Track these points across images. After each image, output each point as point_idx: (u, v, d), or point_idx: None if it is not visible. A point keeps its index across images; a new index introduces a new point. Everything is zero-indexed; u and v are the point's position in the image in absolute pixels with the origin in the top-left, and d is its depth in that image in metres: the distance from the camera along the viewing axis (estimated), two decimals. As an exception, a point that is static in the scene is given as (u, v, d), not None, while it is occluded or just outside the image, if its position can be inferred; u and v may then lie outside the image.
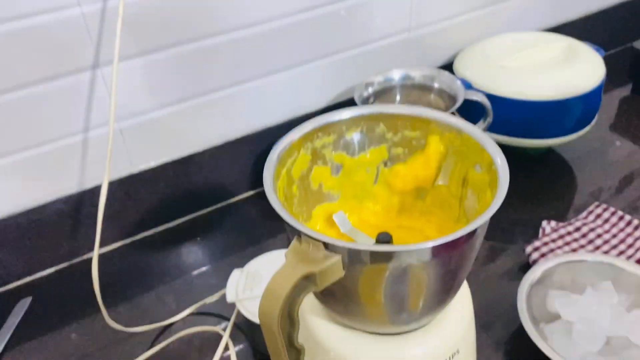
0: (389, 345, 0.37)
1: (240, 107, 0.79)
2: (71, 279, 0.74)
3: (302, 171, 0.40)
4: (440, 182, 0.41)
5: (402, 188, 0.42)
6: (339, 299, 0.34)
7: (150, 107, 0.72)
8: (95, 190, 0.73)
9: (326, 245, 0.30)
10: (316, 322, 0.38)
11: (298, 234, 0.31)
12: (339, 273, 0.31)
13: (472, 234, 0.31)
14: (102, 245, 0.77)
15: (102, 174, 0.72)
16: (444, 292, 0.34)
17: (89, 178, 0.73)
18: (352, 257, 0.30)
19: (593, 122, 0.84)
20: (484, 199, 0.36)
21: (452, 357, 0.38)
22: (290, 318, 0.31)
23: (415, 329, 0.37)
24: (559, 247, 0.71)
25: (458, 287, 0.36)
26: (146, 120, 0.73)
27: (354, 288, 0.32)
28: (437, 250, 0.30)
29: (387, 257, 0.30)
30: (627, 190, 0.82)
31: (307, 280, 0.31)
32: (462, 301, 0.40)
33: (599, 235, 0.73)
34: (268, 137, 0.82)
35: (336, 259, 0.30)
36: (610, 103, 1.01)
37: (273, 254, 0.61)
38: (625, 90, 1.05)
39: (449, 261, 0.31)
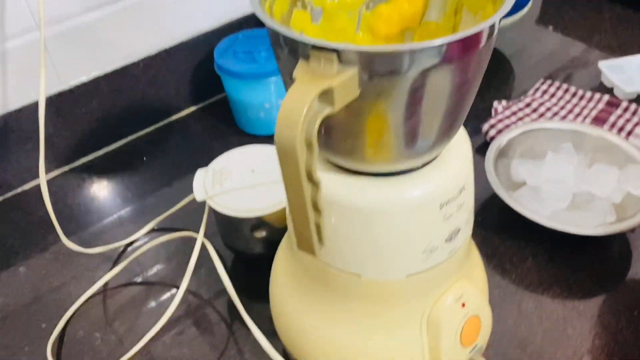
0: (397, 185, 0.35)
1: (173, 11, 0.72)
2: (6, 215, 0.67)
3: (282, 14, 0.36)
4: (427, 18, 0.39)
5: (387, 32, 0.39)
6: (346, 131, 0.32)
7: (74, 11, 0.64)
8: (22, 112, 0.65)
9: (340, 57, 0.27)
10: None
11: (304, 51, 0.28)
12: (355, 91, 0.29)
13: (490, 32, 0.29)
14: (38, 175, 0.70)
15: (26, 93, 0.65)
16: (455, 112, 0.32)
17: (11, 98, 0.65)
18: (368, 67, 0.28)
19: (529, 5, 0.85)
20: (484, 16, 0.34)
21: (460, 193, 0.37)
22: (307, 145, 0.28)
23: (422, 166, 0.36)
24: (513, 123, 0.72)
25: (467, 109, 0.34)
26: (71, 28, 0.65)
27: (366, 111, 0.30)
28: (453, 50, 0.28)
29: (403, 60, 0.27)
30: (561, 78, 0.84)
31: (323, 100, 0.28)
32: (462, 141, 0.38)
33: (548, 109, 0.75)
34: (205, 44, 0.76)
35: (352, 71, 0.28)
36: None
37: (238, 150, 0.58)
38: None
39: (465, 68, 0.29)
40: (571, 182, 0.62)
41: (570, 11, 0.97)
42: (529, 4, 0.85)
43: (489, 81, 0.83)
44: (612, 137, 0.64)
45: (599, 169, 0.62)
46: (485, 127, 0.72)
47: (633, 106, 0.72)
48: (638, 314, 0.53)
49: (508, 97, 0.78)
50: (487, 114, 0.76)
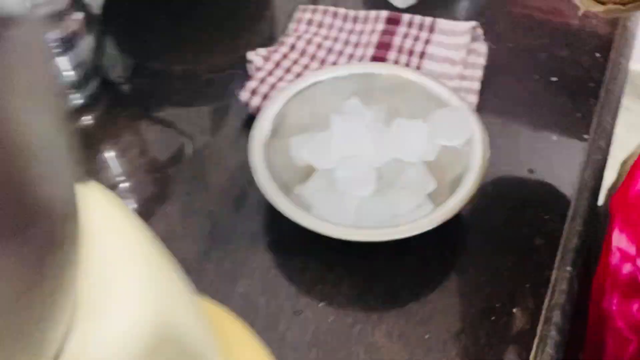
0: None
1: None
2: None
3: None
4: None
5: None
6: None
7: None
8: None
9: None
10: None
11: None
12: None
13: None
14: None
15: None
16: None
17: None
18: None
19: None
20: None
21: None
22: None
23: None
24: (281, 79, 0.52)
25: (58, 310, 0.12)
26: None
27: None
28: None
29: None
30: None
31: None
32: (128, 304, 0.17)
33: (319, 45, 0.56)
34: None
35: None
36: None
37: None
38: None
39: None
40: (371, 153, 0.45)
41: None
42: None
43: (236, 23, 0.61)
44: (408, 74, 0.48)
45: (401, 127, 0.45)
46: (245, 95, 0.51)
47: (417, 18, 0.56)
48: (494, 331, 0.39)
49: (267, 42, 0.58)
50: (243, 74, 0.55)
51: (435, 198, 0.43)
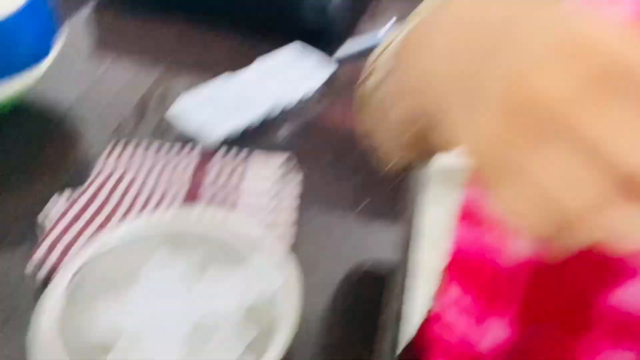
0: None
1: None
2: None
3: None
4: None
5: None
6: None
7: None
8: None
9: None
10: None
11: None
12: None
13: None
14: None
15: None
16: None
17: None
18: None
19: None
20: None
21: None
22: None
23: None
24: (85, 227, 0.48)
25: None
26: None
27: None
28: None
29: None
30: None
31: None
32: None
33: (126, 190, 0.52)
34: None
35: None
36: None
37: None
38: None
39: None
40: (182, 308, 0.42)
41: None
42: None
43: (37, 161, 0.56)
44: (220, 216, 0.46)
45: (214, 276, 0.43)
46: (39, 254, 0.46)
47: (231, 153, 0.55)
48: None
49: (79, 180, 0.53)
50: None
51: (257, 346, 0.41)
